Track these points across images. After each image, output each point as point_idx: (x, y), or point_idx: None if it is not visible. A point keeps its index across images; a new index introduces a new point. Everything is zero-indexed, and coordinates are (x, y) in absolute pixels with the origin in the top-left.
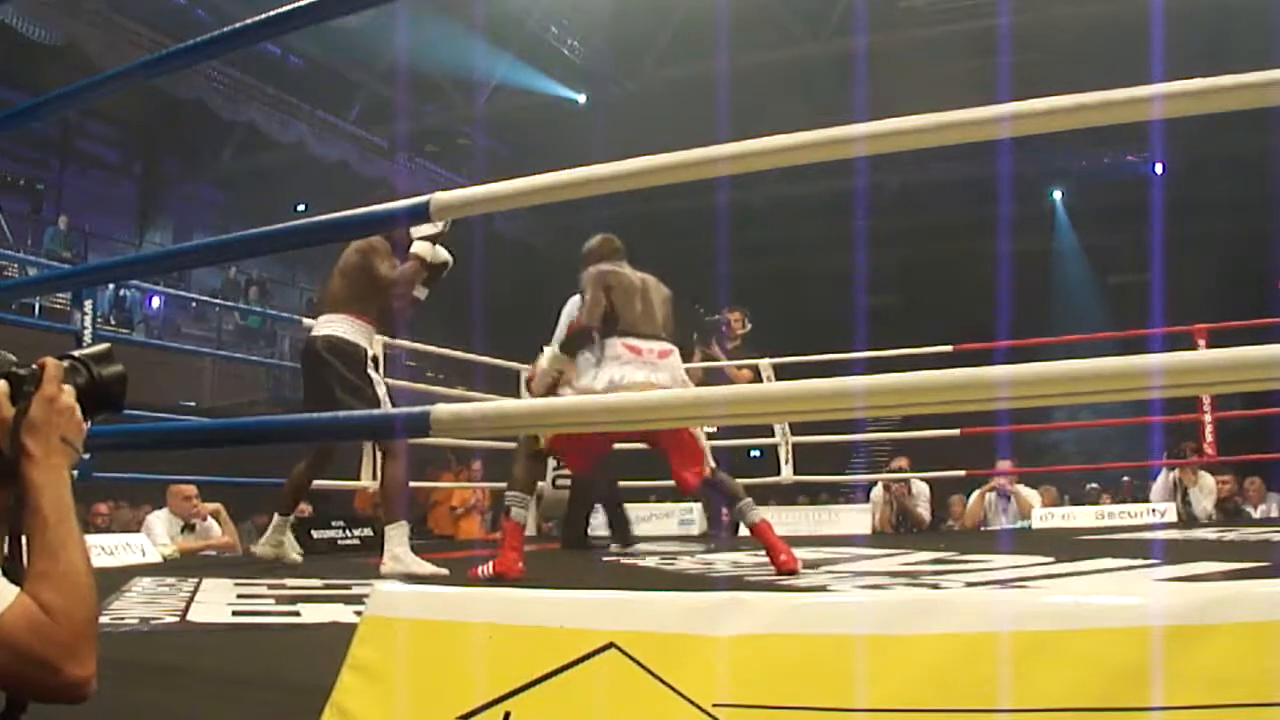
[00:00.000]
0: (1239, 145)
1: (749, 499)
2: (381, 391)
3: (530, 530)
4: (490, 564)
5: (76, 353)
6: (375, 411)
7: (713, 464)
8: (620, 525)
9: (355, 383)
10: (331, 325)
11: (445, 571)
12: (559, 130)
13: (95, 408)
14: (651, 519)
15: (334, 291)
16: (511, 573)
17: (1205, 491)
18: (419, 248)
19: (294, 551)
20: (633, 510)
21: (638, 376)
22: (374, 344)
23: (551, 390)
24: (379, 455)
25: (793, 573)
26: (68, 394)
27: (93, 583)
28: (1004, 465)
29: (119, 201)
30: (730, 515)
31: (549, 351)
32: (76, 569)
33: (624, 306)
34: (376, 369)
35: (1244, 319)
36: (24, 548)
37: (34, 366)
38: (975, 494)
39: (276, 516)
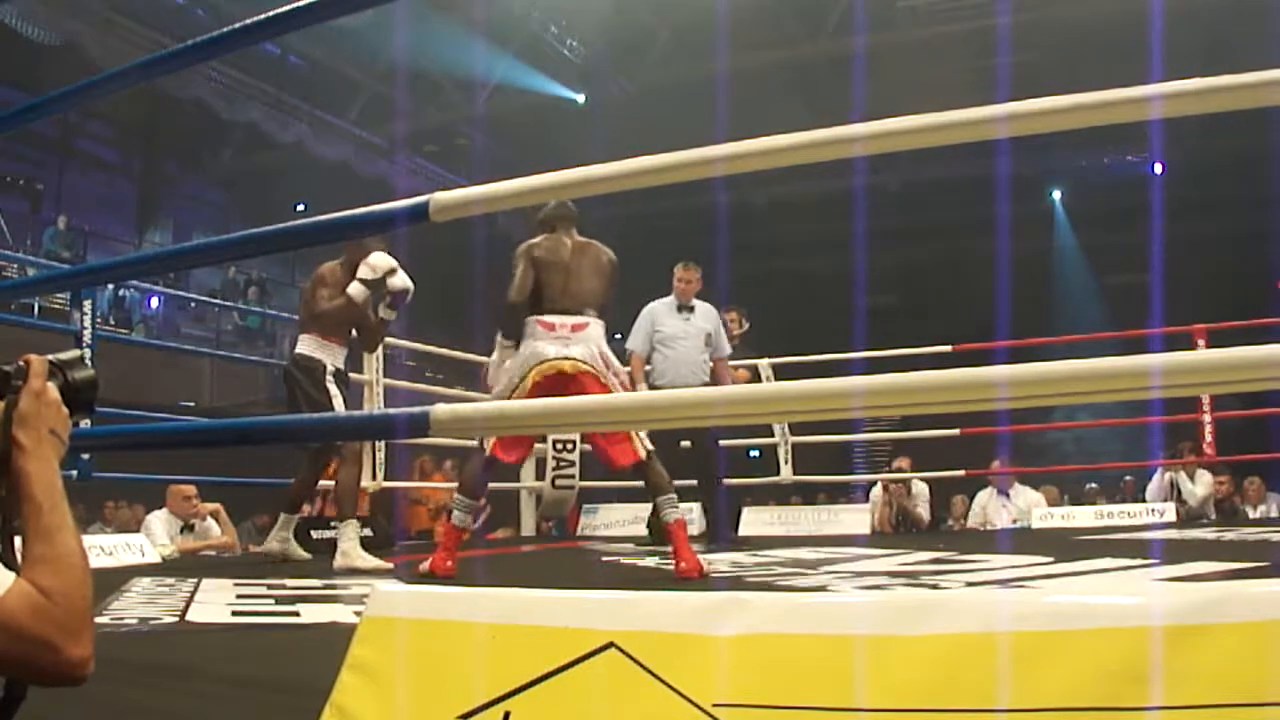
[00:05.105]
0: (1239, 145)
1: (673, 494)
2: (338, 403)
3: (529, 530)
4: (428, 562)
5: (51, 357)
6: (375, 411)
7: (649, 448)
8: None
9: (314, 395)
10: (300, 344)
11: (390, 565)
12: (559, 130)
13: (69, 410)
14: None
15: (300, 312)
16: (440, 571)
17: (1199, 482)
18: (353, 289)
19: (299, 550)
20: (631, 510)
21: (549, 352)
22: (338, 358)
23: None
24: (377, 454)
25: (691, 580)
26: (53, 389)
27: (87, 565)
28: (996, 464)
29: (119, 201)
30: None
31: (498, 340)
32: (71, 553)
33: (546, 282)
34: (339, 381)
35: (1244, 319)
36: (14, 535)
37: (19, 363)
38: (977, 496)
39: (283, 515)
